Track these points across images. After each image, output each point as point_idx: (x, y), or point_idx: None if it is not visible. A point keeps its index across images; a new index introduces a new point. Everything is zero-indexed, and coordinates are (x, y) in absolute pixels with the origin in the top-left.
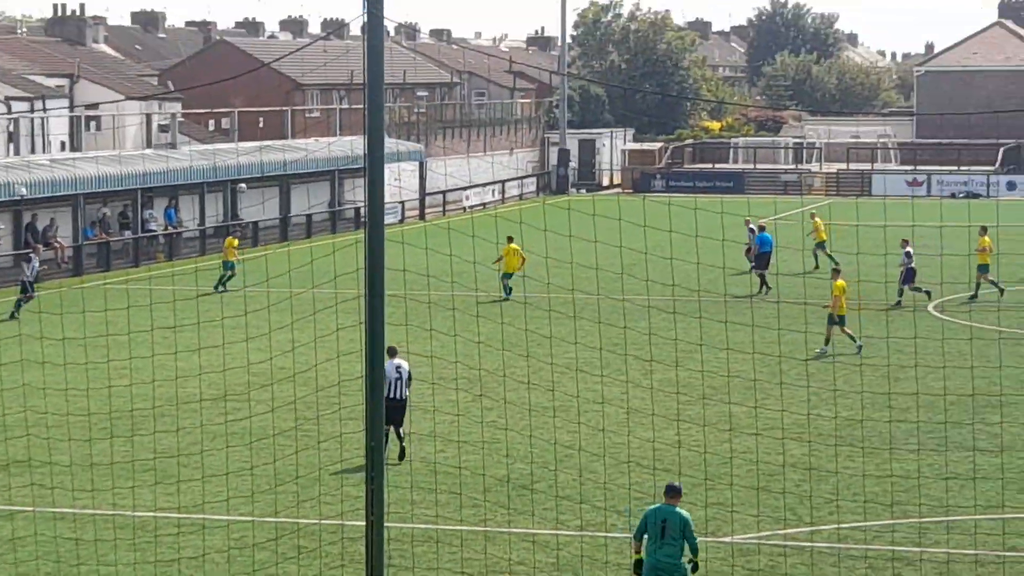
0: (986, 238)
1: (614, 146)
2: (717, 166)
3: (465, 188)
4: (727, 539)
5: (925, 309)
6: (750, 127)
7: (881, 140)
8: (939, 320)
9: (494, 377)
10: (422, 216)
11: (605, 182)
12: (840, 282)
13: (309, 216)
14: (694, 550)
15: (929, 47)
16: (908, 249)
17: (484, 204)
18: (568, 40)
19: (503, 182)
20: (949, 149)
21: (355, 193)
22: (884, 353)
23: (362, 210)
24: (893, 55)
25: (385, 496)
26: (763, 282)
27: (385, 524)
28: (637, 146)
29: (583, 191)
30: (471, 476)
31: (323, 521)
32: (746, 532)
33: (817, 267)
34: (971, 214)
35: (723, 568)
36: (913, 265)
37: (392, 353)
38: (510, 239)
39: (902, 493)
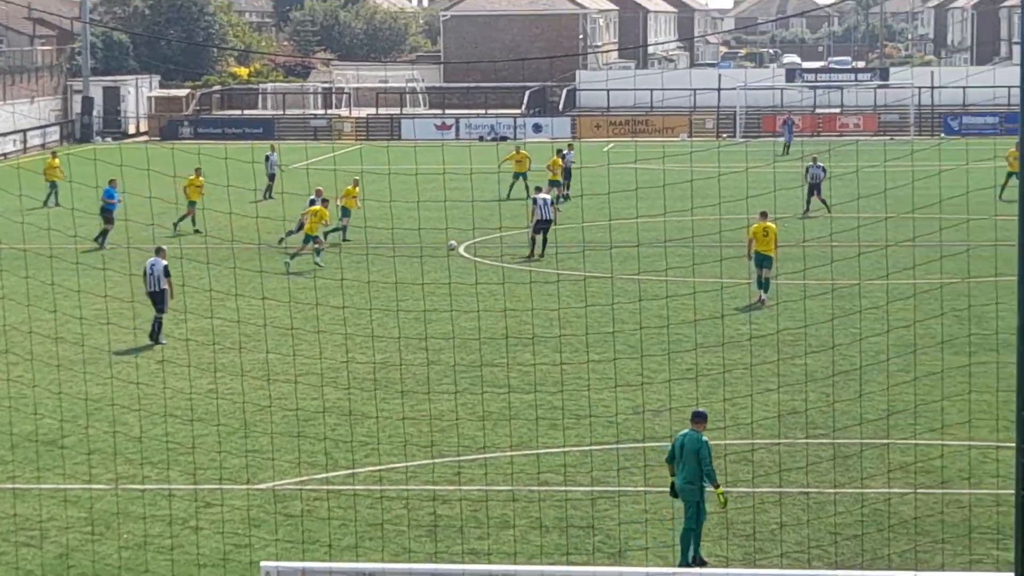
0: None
1: (140, 93)
2: (246, 112)
3: None
4: (265, 485)
5: (457, 252)
6: (279, 73)
7: (409, 85)
8: (471, 261)
9: (20, 332)
10: None
11: (131, 130)
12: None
13: None
14: (707, 476)
15: None
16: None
17: (5, 155)
18: None
19: (24, 132)
20: (476, 93)
21: None
22: (418, 296)
23: None
24: (419, 0)
25: None
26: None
27: None
28: (164, 93)
29: (108, 140)
30: None
31: None
32: (285, 477)
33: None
34: (499, 156)
35: (261, 515)
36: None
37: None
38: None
39: (439, 433)
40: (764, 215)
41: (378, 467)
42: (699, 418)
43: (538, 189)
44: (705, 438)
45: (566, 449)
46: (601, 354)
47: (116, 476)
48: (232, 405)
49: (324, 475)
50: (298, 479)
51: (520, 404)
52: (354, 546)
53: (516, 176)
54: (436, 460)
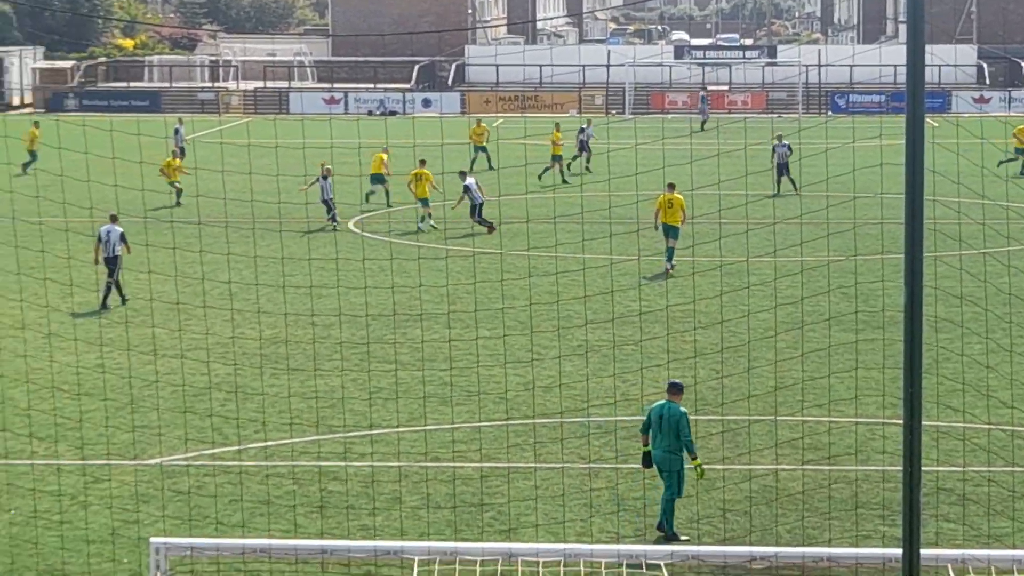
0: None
1: (24, 64)
2: (132, 85)
3: None
4: (154, 461)
5: (346, 227)
6: (165, 45)
7: (297, 58)
8: (359, 237)
9: None
10: None
11: (16, 102)
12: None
13: None
14: (686, 447)
15: None
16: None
17: None
18: None
19: None
20: (365, 67)
21: None
22: (306, 271)
23: None
24: None
25: None
26: None
27: None
28: (48, 64)
29: None
30: None
31: None
32: (173, 453)
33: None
34: (388, 131)
35: (150, 491)
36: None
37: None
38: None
39: (327, 409)
40: (671, 187)
41: (266, 443)
42: (676, 389)
43: (463, 174)
44: (684, 409)
45: (456, 425)
46: (491, 330)
47: (5, 451)
48: (119, 380)
49: (212, 451)
50: (186, 455)
51: (410, 380)
52: (243, 523)
53: (477, 150)
54: (324, 436)
